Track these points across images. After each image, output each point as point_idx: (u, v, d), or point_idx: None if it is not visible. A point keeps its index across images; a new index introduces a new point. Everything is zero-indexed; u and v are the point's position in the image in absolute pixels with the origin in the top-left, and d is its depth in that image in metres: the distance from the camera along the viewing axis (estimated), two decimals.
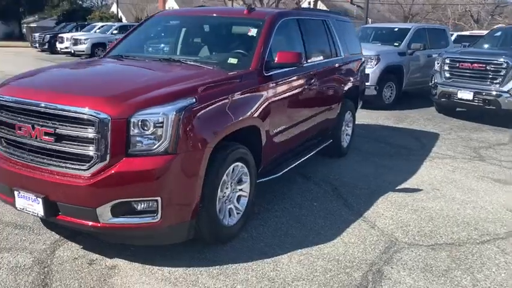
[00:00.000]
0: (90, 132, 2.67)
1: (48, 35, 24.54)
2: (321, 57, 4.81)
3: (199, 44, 4.22)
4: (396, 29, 11.02)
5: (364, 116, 8.50)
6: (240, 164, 3.32)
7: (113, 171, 2.65)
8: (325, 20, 5.15)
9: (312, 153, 4.69)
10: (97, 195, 2.69)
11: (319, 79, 4.60)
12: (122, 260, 3.04)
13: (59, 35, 23.27)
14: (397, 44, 9.89)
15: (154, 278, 2.86)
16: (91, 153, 2.68)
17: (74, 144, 2.73)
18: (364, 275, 3.00)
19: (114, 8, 48.60)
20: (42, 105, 2.78)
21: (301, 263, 3.12)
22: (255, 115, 3.44)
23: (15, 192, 2.92)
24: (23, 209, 2.93)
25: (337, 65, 5.15)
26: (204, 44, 4.18)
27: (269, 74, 3.69)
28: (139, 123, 2.67)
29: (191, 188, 2.85)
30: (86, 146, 2.70)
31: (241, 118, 3.26)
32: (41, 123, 2.79)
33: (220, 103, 3.07)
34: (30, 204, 2.86)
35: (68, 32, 24.56)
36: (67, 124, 2.73)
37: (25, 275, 2.83)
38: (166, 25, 4.58)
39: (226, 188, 3.28)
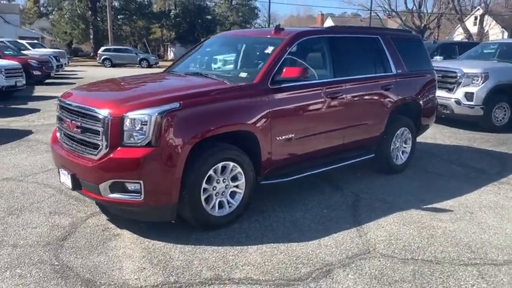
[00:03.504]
0: (98, 126, 3.53)
1: None
2: (358, 73, 4.98)
3: (230, 61, 4.85)
4: None
5: (461, 137, 8.02)
6: (231, 163, 3.84)
7: (109, 157, 3.46)
8: (373, 37, 5.29)
9: (338, 165, 4.88)
10: (99, 175, 3.53)
11: (351, 93, 4.79)
12: (127, 231, 3.83)
13: None
14: None
15: (139, 246, 3.56)
16: (99, 142, 3.54)
17: (91, 135, 3.62)
18: (311, 271, 3.22)
19: None
20: (75, 105, 3.76)
21: (263, 253, 3.48)
22: (250, 122, 3.92)
23: (60, 170, 3.96)
24: (63, 183, 3.95)
25: (383, 80, 5.23)
26: (233, 60, 4.80)
27: (275, 86, 4.12)
28: (131, 121, 3.43)
29: (169, 177, 3.48)
30: (96, 136, 3.57)
31: (229, 123, 3.79)
32: (73, 119, 3.78)
33: (206, 108, 3.66)
34: (66, 179, 3.85)
35: None
36: (87, 120, 3.64)
37: (56, 231, 3.81)
38: (214, 44, 5.35)
39: (217, 183, 3.82)
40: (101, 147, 3.53)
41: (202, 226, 3.80)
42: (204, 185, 3.70)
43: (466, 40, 32.12)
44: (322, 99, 4.55)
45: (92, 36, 47.34)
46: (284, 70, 4.12)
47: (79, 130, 3.74)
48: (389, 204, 4.59)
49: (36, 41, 28.22)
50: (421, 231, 3.95)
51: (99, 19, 45.85)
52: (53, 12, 47.71)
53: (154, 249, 3.51)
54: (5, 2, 61.77)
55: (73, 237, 3.71)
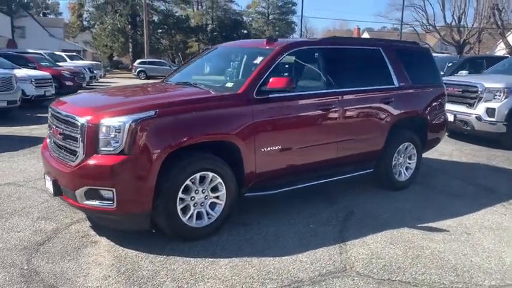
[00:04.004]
0: (77, 133, 3.57)
1: None
2: (355, 85, 4.84)
3: (221, 70, 4.83)
4: None
5: (480, 155, 7.66)
6: (210, 173, 3.79)
7: (84, 163, 3.49)
8: (373, 49, 5.16)
9: (332, 179, 4.73)
10: (75, 181, 3.55)
11: (346, 106, 4.66)
12: (105, 239, 3.83)
13: None
14: None
15: (112, 254, 3.55)
16: (77, 149, 3.58)
17: (71, 142, 3.67)
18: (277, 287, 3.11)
19: None
20: (61, 112, 3.83)
21: (234, 267, 3.39)
22: (232, 132, 3.86)
23: (45, 176, 4.03)
24: (47, 188, 4.00)
25: (383, 93, 5.06)
26: (225, 70, 4.78)
27: (261, 97, 4.06)
28: (106, 128, 3.45)
29: (142, 185, 3.47)
30: (75, 143, 3.61)
31: (208, 133, 3.75)
32: (58, 125, 3.84)
33: (184, 117, 3.64)
34: (49, 185, 3.91)
35: None
36: (69, 126, 3.69)
37: (37, 236, 3.85)
38: (212, 55, 5.34)
39: (196, 193, 3.77)
40: (78, 153, 3.56)
41: (178, 237, 3.75)
42: (180, 195, 3.65)
43: (508, 55, 30.91)
44: (313, 111, 4.44)
45: (131, 50, 48.80)
46: (270, 81, 4.05)
47: (61, 137, 3.80)
48: (382, 222, 4.40)
49: (74, 53, 29.35)
50: (407, 251, 3.75)
51: (138, 33, 47.20)
52: (95, 26, 49.53)
53: (126, 258, 3.49)
54: (52, 16, 64.93)
55: (51, 242, 3.74)
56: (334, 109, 4.57)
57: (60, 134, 3.81)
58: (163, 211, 3.58)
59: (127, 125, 3.40)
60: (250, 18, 75.17)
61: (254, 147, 4.02)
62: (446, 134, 7.77)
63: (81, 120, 3.54)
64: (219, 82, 4.48)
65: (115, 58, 54.06)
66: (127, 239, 3.78)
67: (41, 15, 58.03)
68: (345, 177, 4.91)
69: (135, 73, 33.96)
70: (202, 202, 3.84)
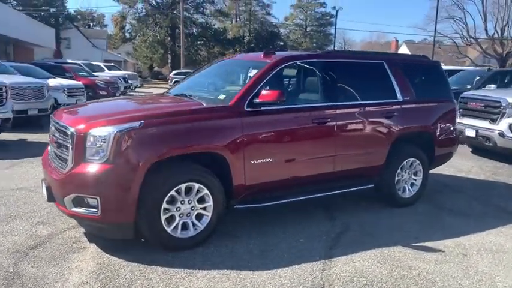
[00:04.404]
0: (68, 142, 3.70)
1: None
2: (354, 99, 4.77)
3: (217, 83, 4.88)
4: None
5: (501, 173, 7.36)
6: (197, 184, 3.82)
7: (72, 171, 3.61)
8: (376, 62, 5.08)
9: (328, 193, 4.66)
10: (64, 188, 3.67)
11: (343, 120, 4.61)
12: (94, 245, 3.92)
13: None
14: None
15: (96, 261, 3.63)
16: (67, 157, 3.71)
17: (63, 150, 3.80)
18: None
19: None
20: (58, 122, 3.98)
21: (211, 279, 3.39)
22: (219, 144, 3.89)
23: (42, 182, 4.18)
24: (43, 194, 4.15)
25: (384, 107, 4.97)
26: (221, 83, 4.83)
27: (252, 109, 4.07)
28: (93, 138, 3.56)
29: (125, 194, 3.53)
30: (66, 151, 3.74)
31: (193, 144, 3.79)
32: (54, 134, 4.00)
33: (170, 128, 3.70)
34: (44, 191, 4.05)
35: None
36: (62, 135, 3.83)
37: (31, 240, 4.00)
38: (214, 68, 5.40)
39: (182, 203, 3.81)
40: (68, 162, 3.69)
41: (161, 246, 3.79)
42: (165, 205, 3.70)
43: None
44: (307, 124, 4.41)
45: (169, 61, 50.03)
46: (261, 93, 4.07)
47: (56, 145, 3.95)
48: (376, 239, 4.29)
49: (112, 64, 30.38)
50: (393, 271, 3.63)
51: (177, 45, 48.37)
52: (136, 38, 51.14)
53: (108, 265, 3.56)
54: (98, 28, 67.62)
55: (42, 247, 3.87)
56: (329, 123, 4.51)
57: (55, 142, 3.96)
58: (146, 221, 3.64)
59: (112, 135, 3.49)
60: (288, 30, 75.59)
61: (243, 159, 4.03)
62: (470, 150, 7.53)
63: (71, 129, 3.67)
64: (213, 94, 4.52)
65: (155, 69, 55.51)
66: (115, 247, 3.85)
67: (86, 27, 60.49)
68: (343, 192, 4.83)
69: (171, 83, 34.74)
70: (189, 213, 3.87)
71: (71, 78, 16.68)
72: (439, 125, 5.50)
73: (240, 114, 4.03)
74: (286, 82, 4.80)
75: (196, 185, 3.83)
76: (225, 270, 3.54)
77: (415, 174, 5.38)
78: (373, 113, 4.87)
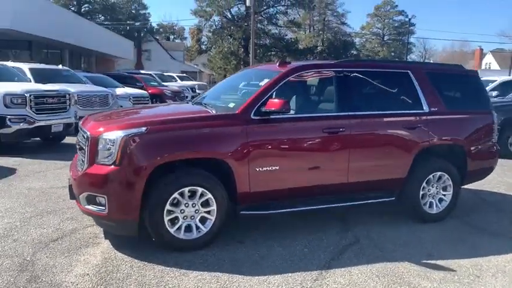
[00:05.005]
0: (85, 145, 4.04)
1: None
2: (372, 109, 4.68)
3: (235, 93, 5.00)
4: None
5: None
6: (200, 189, 3.98)
7: (86, 172, 3.93)
8: (400, 72, 4.93)
9: (341, 205, 4.60)
10: (79, 187, 4.01)
11: (358, 130, 4.53)
12: (108, 242, 4.22)
13: None
14: None
15: (104, 256, 3.90)
16: (84, 159, 4.05)
17: (83, 153, 4.15)
18: None
19: None
20: (81, 128, 4.35)
21: (200, 281, 3.50)
22: (223, 151, 4.02)
23: (68, 181, 4.58)
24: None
25: (407, 118, 4.80)
26: (237, 92, 4.95)
27: (259, 117, 4.16)
28: (103, 141, 3.86)
29: (129, 194, 3.78)
30: (83, 153, 4.08)
31: (196, 150, 3.95)
32: (79, 138, 4.38)
33: (174, 134, 3.90)
34: (68, 190, 4.44)
35: None
36: (83, 139, 4.19)
37: (55, 234, 4.39)
38: (236, 77, 5.55)
39: (186, 206, 3.99)
40: (84, 163, 4.03)
41: (165, 246, 3.98)
42: (168, 207, 3.90)
43: None
44: (318, 134, 4.40)
45: None
46: (267, 102, 4.14)
47: (78, 148, 4.32)
48: (385, 253, 4.16)
49: (184, 75, 31.79)
50: (388, 286, 3.51)
51: (249, 56, 49.40)
52: (211, 50, 53.06)
53: (112, 260, 3.82)
54: (178, 41, 71.16)
55: (63, 240, 4.24)
56: (342, 133, 4.46)
57: (78, 145, 4.33)
58: (150, 221, 3.86)
59: (119, 139, 3.76)
60: (364, 39, 74.19)
61: (248, 166, 4.11)
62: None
63: (88, 133, 4.01)
64: (226, 103, 4.66)
65: None
66: (126, 244, 4.11)
67: (166, 39, 63.89)
68: (359, 204, 4.73)
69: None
70: (192, 215, 4.03)
71: (141, 87, 17.80)
72: (473, 138, 5.19)
73: (246, 122, 4.13)
74: (302, 91, 4.81)
75: (200, 189, 3.98)
76: (218, 273, 3.64)
77: (444, 189, 5.11)
78: (392, 123, 4.73)
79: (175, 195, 3.91)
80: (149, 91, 17.09)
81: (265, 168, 4.20)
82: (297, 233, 4.56)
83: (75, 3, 42.80)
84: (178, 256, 3.91)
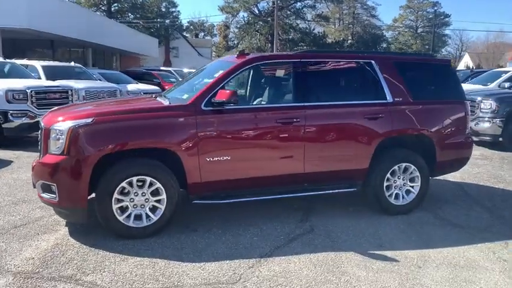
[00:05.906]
0: (41, 135, 4.23)
1: None
2: (330, 99, 4.65)
3: (196, 83, 5.04)
4: None
5: None
6: (148, 178, 4.09)
7: (40, 161, 4.11)
8: (363, 62, 4.86)
9: (299, 194, 4.62)
10: (35, 176, 4.20)
11: (314, 121, 4.52)
12: (66, 229, 4.39)
13: None
14: None
15: (56, 241, 4.07)
16: (40, 149, 4.24)
17: (40, 143, 4.34)
18: None
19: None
20: (38, 120, 4.55)
21: (137, 265, 3.61)
22: (171, 141, 4.11)
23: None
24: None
25: (367, 108, 4.73)
26: (195, 84, 5.01)
27: (210, 108, 4.22)
28: (54, 132, 4.02)
29: (75, 183, 3.93)
30: (40, 144, 4.27)
31: (143, 140, 4.06)
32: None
33: (121, 124, 4.02)
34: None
35: None
36: (40, 131, 4.38)
37: (21, 221, 4.60)
38: (203, 68, 5.57)
39: (135, 195, 4.11)
40: (39, 153, 4.21)
41: (114, 233, 4.11)
42: (117, 196, 4.02)
43: None
44: (270, 124, 4.42)
45: None
46: (218, 93, 4.20)
47: (38, 139, 4.52)
48: (334, 244, 4.14)
49: None
50: (321, 275, 3.52)
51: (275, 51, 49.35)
52: (238, 46, 53.26)
53: (62, 246, 3.98)
54: (208, 37, 71.79)
55: (25, 227, 4.44)
56: (296, 123, 4.46)
57: (38, 137, 4.52)
58: (99, 209, 4.01)
59: (67, 130, 3.91)
60: (397, 32, 72.52)
61: (198, 157, 4.19)
62: None
63: (42, 124, 4.19)
64: (182, 94, 4.73)
65: None
66: (82, 231, 4.27)
67: (194, 36, 64.62)
68: (318, 194, 4.73)
69: None
70: (143, 204, 4.15)
71: (158, 83, 18.18)
72: (443, 128, 5.06)
73: (195, 112, 4.20)
74: (260, 83, 4.83)
75: (148, 179, 4.09)
76: (157, 259, 3.74)
77: (412, 180, 5.02)
78: (350, 114, 4.68)
79: (124, 184, 4.03)
80: (166, 87, 17.42)
81: (216, 159, 4.26)
82: (254, 222, 4.60)
83: (105, 2, 43.84)
84: (127, 243, 4.03)
